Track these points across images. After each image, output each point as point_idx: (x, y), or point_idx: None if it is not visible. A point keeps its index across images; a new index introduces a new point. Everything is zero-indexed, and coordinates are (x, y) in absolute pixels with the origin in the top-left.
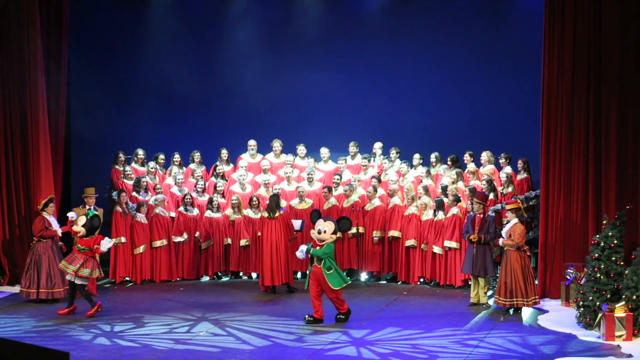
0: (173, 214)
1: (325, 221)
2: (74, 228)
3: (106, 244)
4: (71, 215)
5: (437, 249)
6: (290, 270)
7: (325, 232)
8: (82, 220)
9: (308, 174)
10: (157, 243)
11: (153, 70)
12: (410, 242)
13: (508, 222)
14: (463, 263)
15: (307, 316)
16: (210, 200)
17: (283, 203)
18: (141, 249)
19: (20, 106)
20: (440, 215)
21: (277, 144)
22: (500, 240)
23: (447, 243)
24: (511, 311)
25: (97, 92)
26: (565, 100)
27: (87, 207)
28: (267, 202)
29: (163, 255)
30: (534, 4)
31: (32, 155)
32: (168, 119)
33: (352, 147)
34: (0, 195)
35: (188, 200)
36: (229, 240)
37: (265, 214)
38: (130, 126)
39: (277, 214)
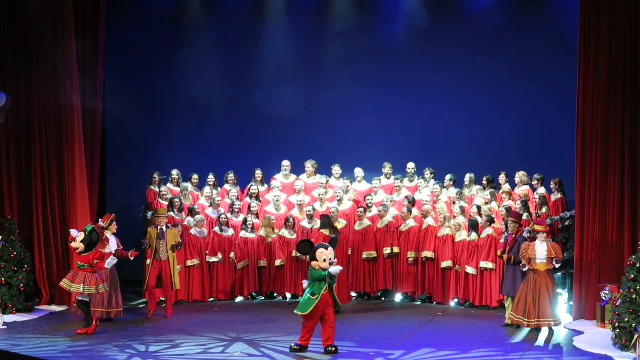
0: (206, 232)
1: (327, 249)
2: (72, 244)
3: (110, 262)
4: (73, 232)
5: (470, 269)
6: (347, 290)
7: (331, 258)
8: (81, 236)
9: (337, 194)
10: (188, 262)
11: (187, 90)
12: (446, 263)
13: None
14: (500, 283)
15: (292, 345)
16: (245, 221)
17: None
18: (177, 269)
19: (56, 129)
20: (473, 235)
21: (309, 165)
22: (526, 266)
23: (482, 264)
24: (548, 330)
25: (132, 111)
26: (600, 120)
27: (159, 226)
28: (322, 222)
29: (196, 275)
30: (569, 23)
31: (68, 177)
32: (202, 138)
33: (386, 168)
34: (36, 216)
35: (223, 220)
36: (262, 262)
37: (324, 231)
38: (165, 146)
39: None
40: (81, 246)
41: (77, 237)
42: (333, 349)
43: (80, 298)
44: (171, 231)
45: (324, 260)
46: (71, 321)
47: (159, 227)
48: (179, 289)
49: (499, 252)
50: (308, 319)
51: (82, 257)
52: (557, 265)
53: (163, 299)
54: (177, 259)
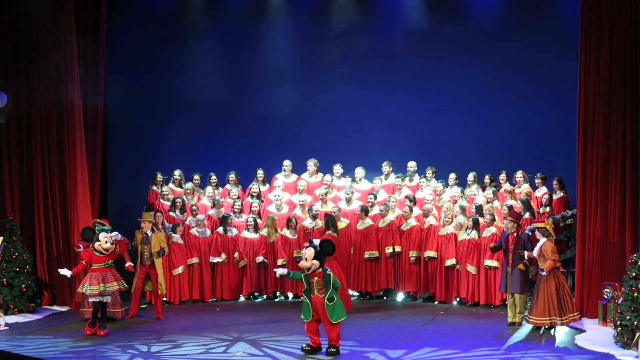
0: (208, 232)
1: (306, 248)
2: (106, 246)
3: (64, 272)
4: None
5: (470, 268)
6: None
7: (306, 259)
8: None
9: (346, 194)
10: (188, 261)
11: (188, 89)
12: (450, 262)
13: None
14: (500, 282)
15: (304, 345)
16: (248, 221)
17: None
18: (180, 269)
19: (57, 127)
20: (474, 234)
21: (311, 163)
22: (541, 266)
23: (487, 262)
24: (543, 330)
25: (134, 111)
26: (601, 118)
27: (144, 231)
28: (326, 221)
29: (197, 275)
30: (570, 21)
31: (69, 178)
32: (203, 138)
33: (386, 167)
34: (38, 217)
35: (230, 220)
36: (260, 259)
37: (330, 232)
38: (167, 146)
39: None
40: (111, 246)
41: (106, 238)
42: (334, 350)
43: (105, 300)
44: (156, 236)
45: (306, 259)
46: (73, 322)
47: (144, 232)
48: (180, 292)
49: (491, 245)
50: (305, 322)
51: (102, 258)
52: (541, 273)
53: (165, 299)
54: (177, 260)
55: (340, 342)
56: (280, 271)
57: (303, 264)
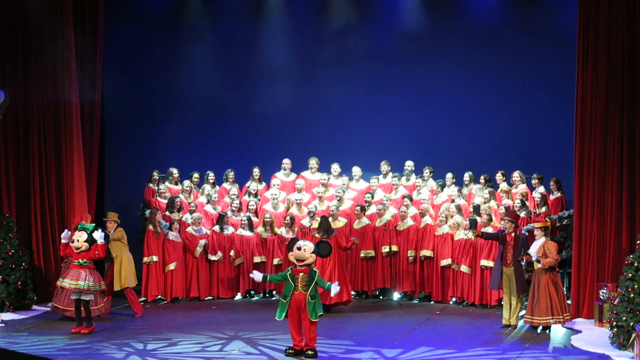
0: (204, 230)
1: (303, 241)
2: (75, 245)
3: (99, 234)
4: (64, 235)
5: (464, 268)
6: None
7: (305, 250)
8: (84, 236)
9: (337, 193)
10: (198, 246)
11: (186, 87)
12: (446, 262)
13: (535, 240)
14: (491, 279)
15: (287, 349)
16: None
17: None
18: (172, 266)
19: (54, 127)
20: (470, 234)
21: (313, 162)
22: (540, 262)
23: (483, 262)
24: (540, 329)
25: (131, 109)
26: (598, 119)
27: (108, 230)
28: (319, 222)
29: (193, 273)
30: (568, 22)
31: (66, 176)
32: (200, 136)
33: (384, 166)
34: (34, 214)
35: (227, 219)
36: (258, 259)
37: (318, 235)
38: (164, 143)
39: (330, 235)
40: (85, 245)
41: (79, 237)
42: (311, 352)
43: (89, 297)
44: (115, 234)
45: (304, 250)
46: (68, 319)
47: (108, 231)
48: (172, 289)
49: (478, 232)
50: (289, 322)
51: (83, 255)
52: (537, 264)
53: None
54: (170, 257)
55: (316, 344)
56: (257, 277)
57: (302, 254)
